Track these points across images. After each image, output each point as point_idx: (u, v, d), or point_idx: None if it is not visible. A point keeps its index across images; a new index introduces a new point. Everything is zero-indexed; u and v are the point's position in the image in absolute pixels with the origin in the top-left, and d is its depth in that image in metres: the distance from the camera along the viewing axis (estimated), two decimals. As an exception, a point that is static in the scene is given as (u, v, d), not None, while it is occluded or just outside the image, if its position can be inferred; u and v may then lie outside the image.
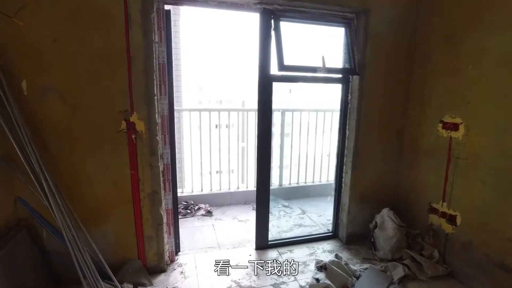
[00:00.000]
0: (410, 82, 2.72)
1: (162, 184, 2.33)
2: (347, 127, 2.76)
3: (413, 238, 2.66)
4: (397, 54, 2.64)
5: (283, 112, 3.96)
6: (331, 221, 3.28)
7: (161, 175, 2.28)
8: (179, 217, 3.33)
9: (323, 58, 2.36)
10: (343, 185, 2.87)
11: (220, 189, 3.86)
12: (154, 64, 2.08)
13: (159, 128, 2.24)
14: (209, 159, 3.82)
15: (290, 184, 4.17)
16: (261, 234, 2.77)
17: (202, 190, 3.82)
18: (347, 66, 2.59)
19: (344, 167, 2.84)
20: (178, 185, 3.83)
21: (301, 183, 4.21)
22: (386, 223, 2.58)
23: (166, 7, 2.22)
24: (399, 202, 2.91)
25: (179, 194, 3.66)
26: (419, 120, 2.67)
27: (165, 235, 2.41)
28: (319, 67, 2.38)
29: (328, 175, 4.34)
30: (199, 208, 3.58)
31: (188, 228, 3.18)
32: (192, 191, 3.78)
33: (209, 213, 3.53)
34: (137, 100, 2.07)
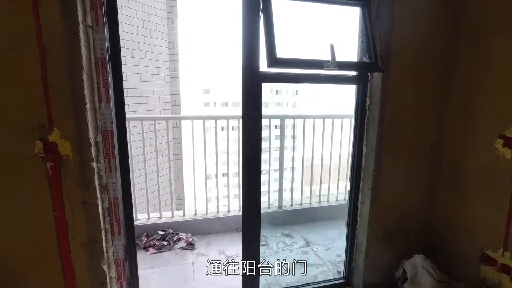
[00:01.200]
0: (451, 80, 2.01)
1: (105, 227, 1.66)
2: (364, 142, 2.06)
3: (457, 295, 1.94)
4: (435, 43, 1.94)
5: (282, 119, 3.28)
6: (341, 259, 2.57)
7: (102, 217, 1.61)
8: (153, 251, 2.67)
9: (332, 48, 1.67)
10: (358, 218, 2.16)
11: (207, 214, 3.18)
12: (84, 58, 1.41)
13: (100, 149, 1.58)
14: (193, 177, 3.15)
15: (292, 205, 3.48)
16: (249, 284, 2.08)
17: (184, 215, 3.15)
18: (365, 59, 1.89)
19: (360, 195, 2.13)
20: (154, 209, 3.20)
21: (305, 204, 3.51)
22: (421, 277, 1.88)
23: (108, -23, 1.56)
24: (435, 243, 2.19)
25: (155, 221, 3.00)
26: (464, 133, 1.96)
27: (115, 296, 1.74)
28: (327, 62, 1.69)
29: (337, 195, 3.63)
30: (178, 239, 2.91)
31: (160, 270, 2.50)
32: (172, 217, 3.11)
33: (190, 246, 2.86)
34: (58, 110, 1.40)
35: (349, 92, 2.21)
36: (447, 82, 2.02)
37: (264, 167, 3.36)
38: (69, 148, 1.44)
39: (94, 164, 1.52)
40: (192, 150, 2.99)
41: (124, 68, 5.60)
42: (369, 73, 1.96)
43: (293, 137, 3.34)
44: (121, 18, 5.96)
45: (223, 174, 3.44)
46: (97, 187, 1.56)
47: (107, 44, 1.55)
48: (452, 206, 2.07)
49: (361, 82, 2.00)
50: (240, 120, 1.86)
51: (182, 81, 8.72)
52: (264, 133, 3.29)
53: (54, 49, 1.35)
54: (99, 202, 1.57)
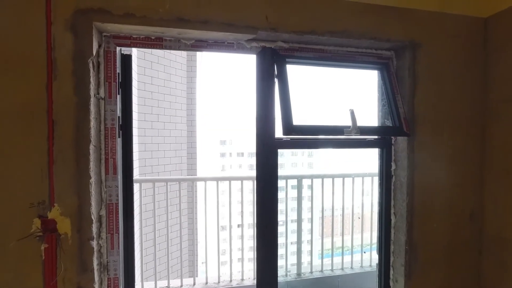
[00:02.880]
0: (487, 142, 1.84)
1: (103, 314, 1.47)
2: (392, 211, 1.86)
3: None
4: (465, 99, 1.83)
5: (299, 180, 3.12)
6: None
7: (100, 301, 1.44)
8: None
9: (352, 113, 1.57)
10: (392, 300, 1.87)
11: (219, 283, 2.90)
12: (93, 131, 1.37)
13: (103, 224, 1.46)
14: (204, 240, 2.95)
15: (312, 272, 3.15)
16: None
17: (194, 284, 2.87)
18: (387, 123, 1.78)
19: (391, 272, 1.87)
20: (161, 275, 2.93)
21: (327, 271, 3.18)
22: None
23: (125, 50, 1.59)
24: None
25: (162, 293, 2.74)
26: (508, 199, 1.73)
27: None
28: (347, 127, 1.59)
29: (362, 260, 3.29)
30: (187, 315, 2.62)
31: None
32: (181, 286, 2.85)
33: (199, 323, 2.56)
34: (61, 185, 1.32)
35: (369, 150, 2.07)
36: (483, 145, 1.86)
37: (280, 229, 3.15)
38: (69, 226, 1.33)
39: (95, 242, 1.38)
40: (204, 214, 2.83)
41: (144, 124, 5.73)
42: (391, 137, 1.83)
43: (312, 198, 3.15)
44: (144, 79, 6.30)
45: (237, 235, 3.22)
46: (96, 267, 1.40)
47: (119, 114, 1.52)
48: (500, 281, 1.76)
49: (384, 145, 1.86)
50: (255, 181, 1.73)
51: (199, 135, 8.89)
52: (281, 195, 3.13)
53: (63, 123, 1.31)
54: (96, 285, 1.41)
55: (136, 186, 3.88)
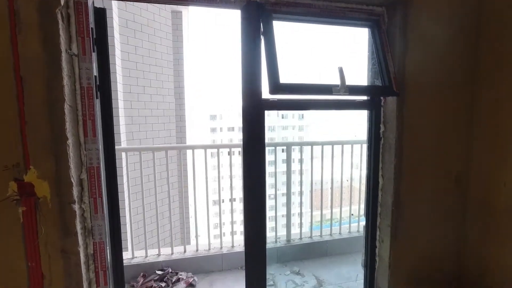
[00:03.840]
0: (476, 107, 1.83)
1: (89, 277, 1.46)
2: (380, 173, 1.86)
3: None
4: (455, 66, 1.78)
5: (288, 146, 3.09)
6: (360, 304, 2.29)
7: (85, 265, 1.42)
8: (149, 295, 2.42)
9: (341, 71, 1.52)
10: (377, 259, 1.92)
11: (209, 250, 2.94)
12: (67, 89, 1.28)
13: (85, 188, 1.41)
14: (193, 208, 2.96)
15: (301, 239, 3.22)
16: (256, 338, 1.82)
17: (185, 252, 2.91)
18: (377, 83, 1.73)
19: (378, 233, 1.90)
20: (153, 246, 2.95)
21: (316, 237, 3.25)
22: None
23: (98, 2, 1.47)
24: (468, 284, 1.92)
25: (153, 259, 2.77)
26: (494, 163, 1.74)
27: None
28: (336, 86, 1.53)
29: (350, 226, 3.36)
30: (178, 280, 2.66)
31: (156, 317, 2.24)
32: (171, 254, 2.87)
33: (191, 287, 2.60)
34: (35, 147, 1.25)
35: (361, 114, 2.04)
36: (471, 109, 1.84)
37: (270, 192, 3.16)
38: (47, 189, 1.28)
39: (77, 206, 1.34)
40: (193, 181, 2.81)
41: (130, 97, 5.55)
42: (382, 98, 1.79)
43: (301, 164, 3.15)
44: (127, 48, 6.01)
45: (227, 202, 3.22)
46: (80, 231, 1.37)
47: (95, 73, 1.43)
48: (484, 246, 1.82)
49: (374, 107, 1.83)
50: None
51: (188, 108, 8.73)
52: (270, 157, 3.11)
53: (33, 81, 1.22)
54: (81, 249, 1.38)
55: (124, 156, 3.82)
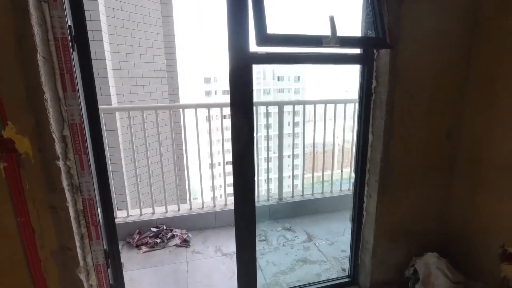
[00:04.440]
0: (472, 60, 1.77)
1: (81, 232, 1.49)
2: (370, 130, 1.84)
3: (475, 296, 1.76)
4: (454, 15, 1.70)
5: (280, 106, 3.05)
6: (346, 255, 2.40)
7: (75, 221, 1.43)
8: (145, 250, 2.52)
9: (332, 20, 1.43)
10: (364, 213, 1.97)
11: (202, 208, 3.01)
12: (38, 39, 1.20)
13: (69, 145, 1.38)
14: (185, 166, 2.98)
15: (293, 197, 3.29)
16: (246, 286, 1.91)
17: (178, 210, 2.98)
18: (371, 34, 1.65)
19: (366, 188, 1.93)
20: (147, 205, 3.01)
21: (307, 195, 3.32)
22: (434, 278, 1.69)
23: None
24: (449, 239, 2.00)
25: (148, 217, 2.84)
26: (486, 119, 1.73)
27: (96, 305, 1.59)
28: (326, 37, 1.46)
29: (341, 185, 3.43)
30: (172, 236, 2.75)
31: (152, 270, 2.34)
32: (165, 212, 2.94)
33: (185, 243, 2.70)
34: (11, 102, 1.20)
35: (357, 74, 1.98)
36: (468, 66, 1.78)
37: (264, 155, 3.17)
38: (28, 146, 1.24)
39: (61, 163, 1.32)
40: (183, 141, 2.79)
41: (118, 57, 5.33)
42: (375, 51, 1.72)
43: (293, 124, 3.12)
44: (112, 3, 5.66)
45: (219, 164, 3.24)
46: (66, 188, 1.37)
47: (69, 22, 1.33)
48: (470, 200, 1.87)
49: (366, 61, 1.76)
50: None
51: (180, 70, 8.47)
52: (264, 120, 3.08)
53: (0, 32, 1.13)
54: (70, 205, 1.39)
55: (118, 117, 3.75)
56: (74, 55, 1.38)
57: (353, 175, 2.04)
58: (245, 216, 1.80)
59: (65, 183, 1.35)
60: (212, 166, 2.99)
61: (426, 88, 1.75)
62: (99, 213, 1.59)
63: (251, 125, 1.63)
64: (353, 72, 1.97)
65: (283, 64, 1.65)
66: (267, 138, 3.03)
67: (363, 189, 1.95)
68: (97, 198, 1.59)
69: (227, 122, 1.80)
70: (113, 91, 5.65)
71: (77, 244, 1.45)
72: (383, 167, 1.79)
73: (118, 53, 5.92)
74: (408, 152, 1.82)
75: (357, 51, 1.80)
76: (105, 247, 1.64)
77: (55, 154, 1.29)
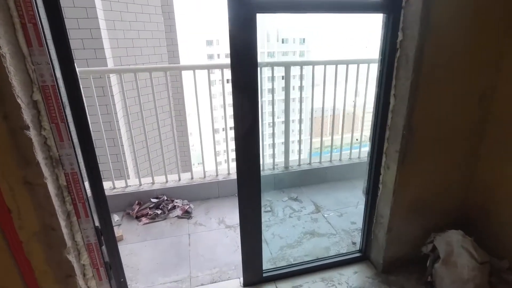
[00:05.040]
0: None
1: (66, 209, 1.33)
2: (392, 92, 1.60)
3: (498, 275, 1.63)
4: None
5: (287, 66, 2.77)
6: (356, 227, 2.28)
7: (57, 198, 1.27)
8: (145, 221, 2.41)
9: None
10: (380, 186, 1.79)
11: (204, 177, 2.86)
12: (-13, -23, 0.95)
13: (42, 111, 1.18)
14: (188, 132, 2.78)
15: (299, 165, 3.12)
16: (250, 262, 1.80)
17: (179, 180, 2.83)
18: (401, -26, 1.35)
19: (383, 159, 1.73)
20: (145, 174, 2.82)
21: (315, 163, 3.15)
22: (457, 256, 1.54)
23: None
24: (473, 215, 1.83)
25: (148, 187, 2.70)
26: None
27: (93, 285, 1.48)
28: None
29: (351, 152, 3.24)
30: (174, 207, 2.63)
31: (152, 243, 2.24)
32: (166, 182, 2.80)
33: (187, 214, 2.58)
34: (-39, 59, 0.98)
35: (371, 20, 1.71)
36: (510, 19, 1.49)
37: (269, 120, 2.96)
38: (-11, 112, 1.04)
39: (32, 132, 1.13)
40: (184, 105, 2.57)
41: (112, 15, 4.92)
42: (403, -3, 1.43)
43: (301, 87, 2.87)
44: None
45: (223, 129, 3.04)
46: (43, 161, 1.19)
47: (27, -42, 1.06)
48: (499, 170, 1.67)
49: (392, 9, 1.48)
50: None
51: (180, 31, 8.00)
52: (269, 85, 2.82)
53: None
54: (49, 181, 1.22)
55: (115, 81, 3.50)
56: (39, 1, 1.12)
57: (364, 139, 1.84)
58: (249, 186, 1.64)
59: (40, 156, 1.17)
60: (213, 131, 2.80)
61: (461, 45, 1.47)
62: (87, 188, 1.42)
63: (255, 84, 1.40)
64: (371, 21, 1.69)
65: (292, 12, 1.38)
66: (272, 102, 2.79)
67: (380, 160, 1.75)
68: (84, 171, 1.42)
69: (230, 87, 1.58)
70: (108, 53, 5.32)
71: (62, 223, 1.30)
72: (405, 136, 1.57)
73: (111, 11, 5.51)
74: (435, 118, 1.59)
75: None
76: (96, 224, 1.50)
77: (23, 123, 1.09)
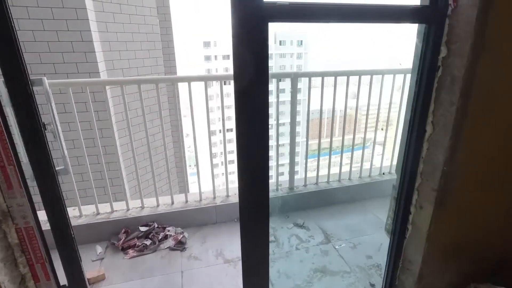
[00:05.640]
0: None
1: (19, 274, 1.03)
2: (430, 119, 1.31)
3: None
4: None
5: (294, 78, 2.48)
6: (373, 263, 1.99)
7: (4, 261, 0.97)
8: (132, 254, 2.13)
9: None
10: (409, 227, 1.50)
11: (200, 201, 2.56)
12: None
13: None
14: (181, 152, 2.48)
15: (305, 186, 2.83)
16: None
17: (172, 204, 2.53)
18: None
19: (415, 197, 1.44)
20: (134, 192, 2.49)
21: (322, 183, 2.86)
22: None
23: None
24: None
25: (136, 213, 2.40)
26: None
27: None
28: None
29: (361, 171, 2.95)
30: (165, 236, 2.32)
31: (139, 284, 1.93)
32: (157, 206, 2.50)
33: (180, 245, 2.28)
34: None
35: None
36: None
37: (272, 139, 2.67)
38: None
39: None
40: (178, 119, 2.27)
41: (104, 17, 4.57)
42: (452, 2, 1.14)
43: (308, 98, 2.59)
44: None
45: (220, 141, 2.75)
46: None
47: None
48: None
49: (434, 19, 1.19)
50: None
51: (176, 32, 7.70)
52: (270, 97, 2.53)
53: None
54: (-9, 244, 0.91)
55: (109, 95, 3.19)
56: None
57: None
58: (254, 212, 1.33)
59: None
60: (210, 146, 2.51)
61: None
62: (42, 244, 1.12)
63: (265, 103, 1.10)
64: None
65: (311, 21, 1.08)
66: (277, 120, 2.50)
67: (411, 197, 1.46)
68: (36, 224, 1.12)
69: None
70: (100, 57, 5.01)
71: (12, 294, 0.99)
72: (446, 172, 1.29)
73: (103, 12, 5.19)
74: (486, 153, 1.30)
75: (416, 4, 1.24)
76: (63, 284, 1.20)
77: None
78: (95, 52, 4.86)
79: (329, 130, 2.64)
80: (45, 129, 1.36)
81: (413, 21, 1.24)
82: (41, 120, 1.16)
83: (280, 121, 2.54)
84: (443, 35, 1.19)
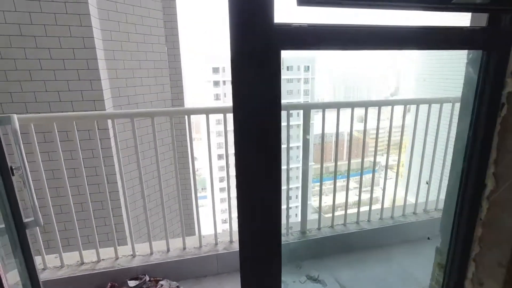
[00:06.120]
0: None
1: None
2: (491, 170, 1.01)
3: None
4: None
5: (306, 110, 2.22)
6: None
7: None
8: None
9: None
10: (464, 307, 1.15)
11: (200, 247, 2.24)
12: None
13: None
14: (177, 194, 2.20)
15: (319, 229, 2.49)
16: None
17: (168, 251, 2.21)
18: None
19: (471, 269, 1.11)
20: (121, 241, 2.15)
21: (338, 226, 2.52)
22: None
23: None
24: None
25: (125, 262, 2.09)
26: None
27: None
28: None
29: (382, 212, 2.61)
30: (157, 292, 1.99)
31: None
32: (150, 253, 2.18)
33: (174, 303, 1.94)
34: None
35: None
36: None
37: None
38: None
39: None
40: (174, 156, 2.01)
41: (111, 45, 4.47)
42: (520, 22, 0.87)
43: (323, 134, 2.31)
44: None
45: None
46: None
47: None
48: None
49: (493, 43, 0.92)
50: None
51: (184, 59, 7.68)
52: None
53: None
54: None
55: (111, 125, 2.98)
56: None
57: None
58: (262, 263, 1.00)
59: None
60: (212, 183, 2.22)
61: None
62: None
63: (278, 146, 0.83)
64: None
65: (340, 49, 0.82)
66: (288, 157, 2.22)
67: (465, 268, 1.13)
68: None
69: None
70: (105, 85, 4.90)
71: None
72: (517, 243, 0.96)
73: (111, 41, 5.15)
74: None
75: (466, 19, 0.98)
76: None
77: None
78: (100, 80, 4.77)
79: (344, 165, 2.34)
80: (13, 174, 1.14)
81: (468, 46, 0.97)
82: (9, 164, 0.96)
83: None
84: (508, 64, 0.92)
